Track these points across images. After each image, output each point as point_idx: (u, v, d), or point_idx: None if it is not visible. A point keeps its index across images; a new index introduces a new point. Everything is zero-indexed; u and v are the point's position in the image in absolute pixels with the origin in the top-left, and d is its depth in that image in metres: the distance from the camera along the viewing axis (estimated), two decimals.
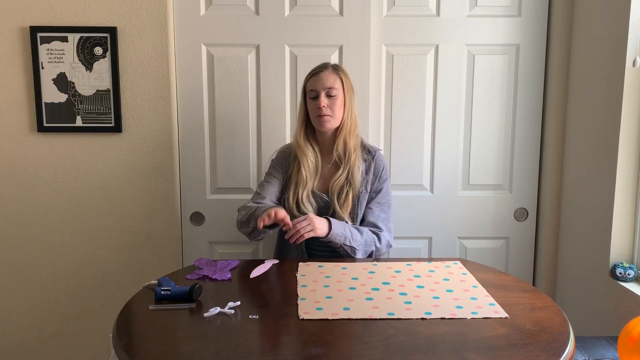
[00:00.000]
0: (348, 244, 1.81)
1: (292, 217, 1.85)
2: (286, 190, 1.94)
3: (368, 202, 1.95)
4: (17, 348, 2.36)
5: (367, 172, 1.93)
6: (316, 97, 1.87)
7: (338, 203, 1.88)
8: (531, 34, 2.29)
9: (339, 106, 1.88)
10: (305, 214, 1.84)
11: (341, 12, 2.25)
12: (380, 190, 1.95)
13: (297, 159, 1.93)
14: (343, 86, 1.89)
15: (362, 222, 1.95)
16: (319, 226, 1.76)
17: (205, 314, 1.37)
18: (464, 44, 2.30)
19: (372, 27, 2.26)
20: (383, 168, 1.97)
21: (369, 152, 1.96)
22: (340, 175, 1.90)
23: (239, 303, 1.42)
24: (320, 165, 1.94)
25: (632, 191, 1.94)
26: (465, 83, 2.32)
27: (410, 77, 2.31)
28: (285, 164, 1.97)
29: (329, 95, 1.86)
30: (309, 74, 1.93)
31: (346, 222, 1.88)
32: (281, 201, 1.94)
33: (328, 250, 1.91)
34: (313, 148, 1.93)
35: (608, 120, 1.96)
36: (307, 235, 1.73)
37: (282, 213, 1.72)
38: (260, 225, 1.72)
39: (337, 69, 1.91)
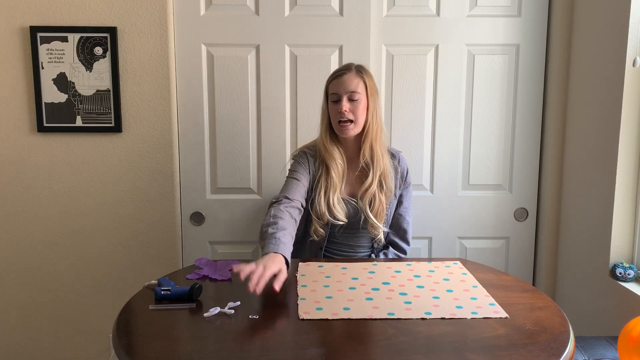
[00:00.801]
0: None
1: (324, 222, 1.84)
2: (313, 194, 1.86)
3: (397, 207, 1.95)
4: (17, 348, 2.36)
5: (394, 176, 1.90)
6: (338, 101, 1.81)
7: (372, 212, 1.84)
8: (531, 34, 2.29)
9: (361, 111, 1.80)
10: (337, 218, 1.82)
11: (341, 12, 2.25)
12: (407, 194, 1.96)
13: (324, 163, 1.87)
14: (367, 89, 1.81)
15: (392, 226, 1.96)
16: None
17: (205, 314, 1.37)
18: (464, 44, 2.30)
19: (372, 27, 2.26)
20: (407, 171, 1.95)
21: (393, 156, 1.93)
22: (371, 183, 1.84)
23: (238, 303, 1.42)
24: (346, 170, 1.88)
25: (632, 191, 1.94)
26: (465, 83, 2.32)
27: (410, 77, 2.31)
28: (312, 167, 1.89)
29: (351, 100, 1.79)
30: (332, 75, 1.86)
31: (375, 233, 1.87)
32: (308, 204, 1.87)
33: (349, 251, 1.92)
34: (339, 151, 1.87)
35: (608, 120, 1.96)
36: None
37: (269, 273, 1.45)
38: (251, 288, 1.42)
39: (360, 71, 1.83)
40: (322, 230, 1.85)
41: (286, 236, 1.61)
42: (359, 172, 1.88)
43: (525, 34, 2.29)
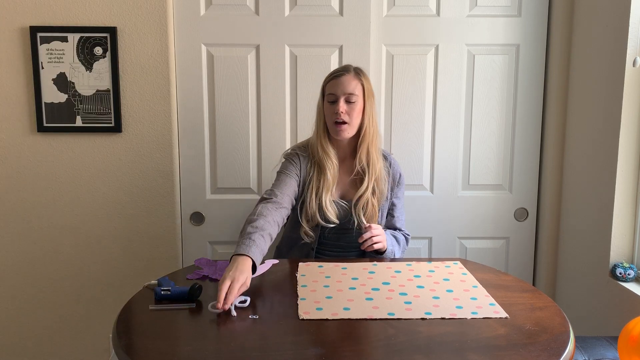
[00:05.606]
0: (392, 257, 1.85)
1: (314, 223, 1.83)
2: (303, 195, 1.85)
3: (389, 208, 1.95)
4: (17, 348, 2.36)
5: (387, 180, 1.90)
6: (335, 102, 1.79)
7: (365, 216, 1.83)
8: (531, 34, 2.29)
9: (357, 113, 1.80)
10: (329, 220, 1.81)
11: (341, 12, 2.25)
12: (399, 196, 1.95)
13: (316, 164, 1.85)
14: (364, 92, 1.81)
15: (385, 228, 1.95)
16: (385, 240, 1.81)
17: (211, 308, 1.37)
18: (464, 44, 2.30)
19: (372, 27, 2.26)
20: (400, 174, 1.94)
21: (385, 159, 1.92)
22: (366, 189, 1.83)
23: (248, 301, 1.42)
24: (338, 172, 1.86)
25: (632, 191, 1.94)
26: (465, 83, 2.32)
27: (410, 77, 2.31)
28: (304, 168, 1.87)
29: (348, 101, 1.78)
30: (330, 76, 1.85)
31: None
32: (297, 204, 1.86)
33: (340, 251, 1.91)
34: (334, 152, 1.86)
35: (608, 120, 1.96)
36: (376, 247, 1.77)
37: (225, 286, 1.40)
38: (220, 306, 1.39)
39: (359, 73, 1.83)
40: (311, 232, 1.85)
41: (263, 237, 1.57)
42: (353, 175, 1.87)
43: (525, 34, 2.29)
